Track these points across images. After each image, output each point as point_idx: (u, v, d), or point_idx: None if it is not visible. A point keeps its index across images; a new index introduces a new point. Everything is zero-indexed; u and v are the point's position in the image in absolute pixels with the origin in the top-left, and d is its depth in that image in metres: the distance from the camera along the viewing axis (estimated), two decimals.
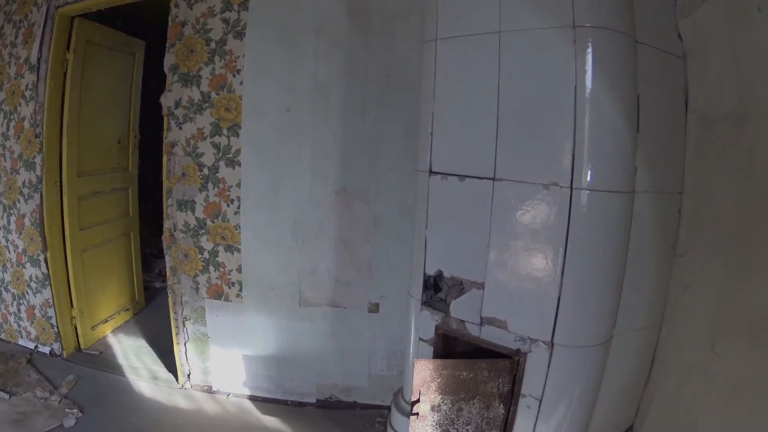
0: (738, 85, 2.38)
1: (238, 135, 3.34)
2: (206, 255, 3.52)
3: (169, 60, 3.41)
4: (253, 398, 3.74)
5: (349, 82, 3.24)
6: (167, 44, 3.41)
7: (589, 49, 2.23)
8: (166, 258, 3.61)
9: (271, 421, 3.50)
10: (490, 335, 2.63)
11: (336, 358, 3.61)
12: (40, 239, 3.88)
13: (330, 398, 3.70)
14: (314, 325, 3.55)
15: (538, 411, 2.60)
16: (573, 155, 2.29)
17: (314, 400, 3.69)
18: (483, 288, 2.60)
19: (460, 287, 2.67)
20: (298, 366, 3.65)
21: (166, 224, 3.54)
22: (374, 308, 3.49)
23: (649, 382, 2.93)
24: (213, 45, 3.32)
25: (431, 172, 2.68)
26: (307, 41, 3.24)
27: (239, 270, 3.51)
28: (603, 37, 2.25)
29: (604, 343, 2.56)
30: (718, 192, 2.52)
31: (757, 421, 2.18)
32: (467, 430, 2.71)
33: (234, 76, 3.30)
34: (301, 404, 3.70)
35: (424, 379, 2.62)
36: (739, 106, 2.37)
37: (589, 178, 2.30)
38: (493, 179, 2.49)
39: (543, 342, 2.50)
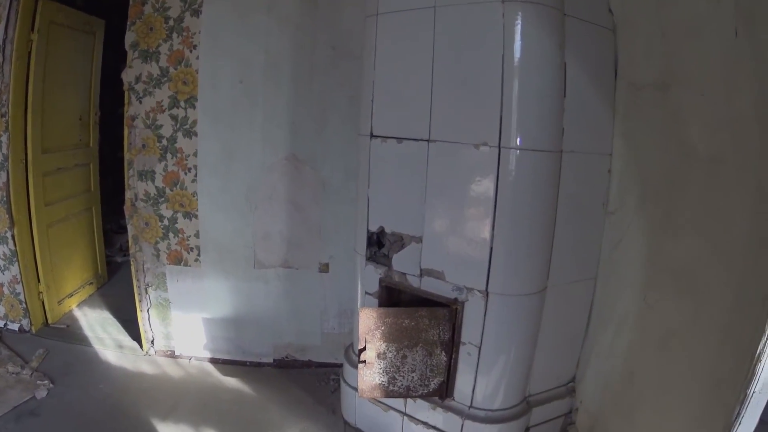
0: (663, 54, 2.57)
1: (194, 107, 3.48)
2: (166, 222, 3.66)
3: (129, 38, 3.52)
4: (213, 360, 3.90)
5: (298, 55, 3.41)
6: (128, 23, 3.51)
7: (517, 22, 2.41)
8: (128, 227, 3.74)
9: (231, 382, 3.66)
10: (430, 286, 2.82)
11: (290, 317, 3.79)
12: (6, 216, 3.94)
13: (286, 357, 3.87)
14: (268, 286, 3.72)
15: (479, 358, 2.78)
16: (501, 117, 2.47)
17: (271, 360, 3.87)
18: (421, 242, 2.78)
19: (400, 242, 2.84)
20: (255, 327, 3.81)
21: (128, 194, 3.67)
22: (324, 268, 3.67)
23: (588, 334, 3.12)
24: (171, 23, 3.45)
25: (372, 135, 2.85)
26: (260, 17, 3.39)
27: (197, 235, 3.66)
28: (530, 11, 2.43)
29: (538, 292, 2.76)
30: (644, 153, 2.71)
31: (688, 368, 2.33)
32: (412, 377, 2.88)
33: (191, 51, 3.44)
34: (259, 364, 3.87)
35: (369, 327, 2.80)
36: (664, 73, 2.56)
37: (515, 138, 2.48)
38: (428, 141, 2.68)
39: (478, 291, 2.68)
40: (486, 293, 2.67)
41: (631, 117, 2.79)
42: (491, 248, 2.61)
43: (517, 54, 2.43)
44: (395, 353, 2.84)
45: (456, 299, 2.76)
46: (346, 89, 3.37)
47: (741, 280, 2.05)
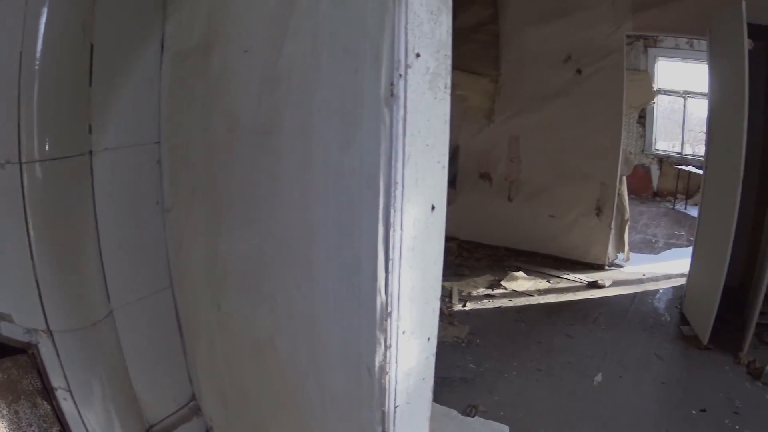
0: (208, 9, 2.23)
1: None
2: None
3: None
4: None
5: None
6: None
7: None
8: None
9: None
10: (9, 331, 2.52)
11: None
12: None
13: None
14: None
15: (75, 402, 2.52)
16: (19, 127, 2.17)
17: None
18: None
19: None
20: None
21: None
22: None
23: (186, 349, 2.79)
24: None
25: None
26: None
27: None
28: None
29: (102, 320, 2.46)
30: (189, 135, 2.37)
31: (291, 382, 2.18)
32: (33, 431, 2.62)
33: None
34: None
35: None
36: (208, 32, 2.23)
37: (34, 149, 2.18)
38: None
39: (43, 331, 2.40)
40: (50, 332, 2.37)
41: (176, 94, 2.40)
42: (37, 281, 2.29)
43: (39, 48, 2.11)
44: (7, 410, 2.57)
45: (29, 343, 2.47)
46: None
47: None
